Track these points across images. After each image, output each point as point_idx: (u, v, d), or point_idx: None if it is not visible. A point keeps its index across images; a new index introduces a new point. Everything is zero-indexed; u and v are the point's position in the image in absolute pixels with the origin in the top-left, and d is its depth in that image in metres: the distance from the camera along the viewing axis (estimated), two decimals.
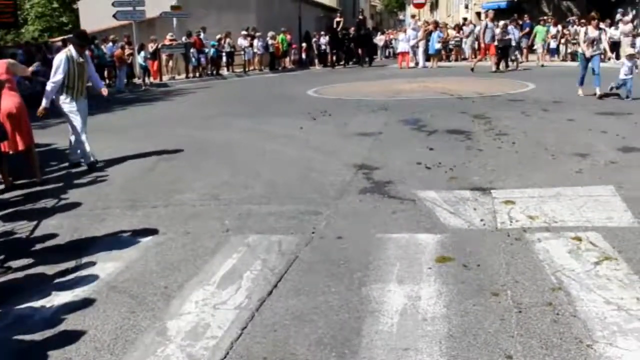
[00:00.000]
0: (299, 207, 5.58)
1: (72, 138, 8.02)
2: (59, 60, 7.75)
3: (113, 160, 8.21)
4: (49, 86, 7.69)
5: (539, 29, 23.82)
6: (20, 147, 7.10)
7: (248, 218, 5.35)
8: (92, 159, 7.88)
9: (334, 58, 28.02)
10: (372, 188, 6.09)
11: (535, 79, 16.90)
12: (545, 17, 26.76)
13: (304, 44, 28.95)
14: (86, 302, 3.83)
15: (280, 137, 9.20)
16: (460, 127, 9.40)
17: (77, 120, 7.83)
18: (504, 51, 20.70)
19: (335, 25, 28.39)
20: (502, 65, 20.59)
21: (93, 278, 4.21)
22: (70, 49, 7.86)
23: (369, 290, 3.77)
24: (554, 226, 4.81)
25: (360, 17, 30.23)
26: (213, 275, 4.12)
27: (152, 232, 5.15)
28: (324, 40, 28.16)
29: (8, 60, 7.62)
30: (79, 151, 8.04)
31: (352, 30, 28.69)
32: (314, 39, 28.47)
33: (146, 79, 21.83)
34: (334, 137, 9.03)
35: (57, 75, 7.66)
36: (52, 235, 5.24)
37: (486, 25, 20.94)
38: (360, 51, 28.07)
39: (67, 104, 7.79)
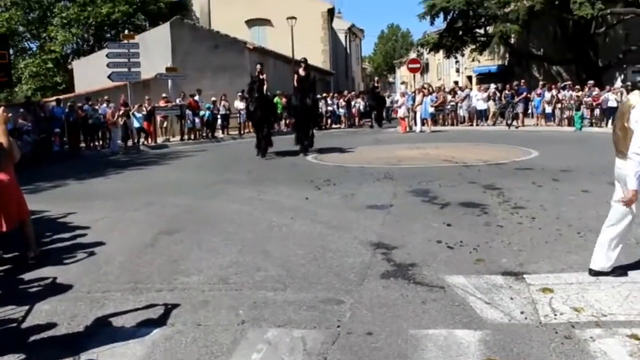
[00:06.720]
0: (318, 295, 5.09)
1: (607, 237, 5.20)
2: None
3: (110, 233, 7.70)
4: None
5: None
6: (4, 228, 6.33)
7: (264, 307, 4.83)
8: None
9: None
10: (395, 272, 5.61)
11: (536, 145, 16.71)
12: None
13: None
14: None
15: (286, 209, 8.74)
16: (473, 199, 9.03)
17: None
18: None
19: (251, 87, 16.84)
20: None
21: None
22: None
23: None
24: (604, 320, 4.35)
25: (301, 71, 17.27)
26: None
27: (159, 322, 4.62)
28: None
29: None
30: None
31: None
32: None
33: (142, 140, 21.59)
34: (343, 210, 8.59)
35: None
36: (47, 325, 4.69)
37: None
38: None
39: None
